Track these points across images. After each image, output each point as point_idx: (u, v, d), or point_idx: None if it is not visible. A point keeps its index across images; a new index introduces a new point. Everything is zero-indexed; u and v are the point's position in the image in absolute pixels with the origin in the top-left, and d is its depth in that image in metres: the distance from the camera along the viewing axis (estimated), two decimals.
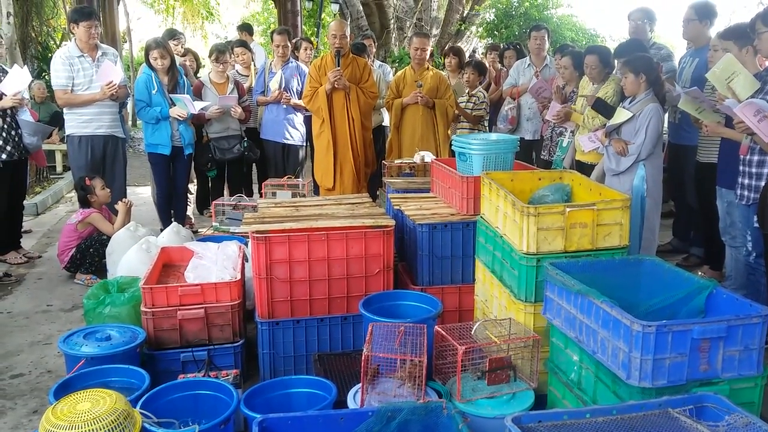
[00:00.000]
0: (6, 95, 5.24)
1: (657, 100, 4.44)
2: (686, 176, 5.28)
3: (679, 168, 5.36)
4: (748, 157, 3.88)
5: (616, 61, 5.09)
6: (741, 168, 3.93)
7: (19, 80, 5.35)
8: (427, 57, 6.27)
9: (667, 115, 5.20)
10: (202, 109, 5.86)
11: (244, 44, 7.05)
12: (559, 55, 5.91)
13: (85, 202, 5.20)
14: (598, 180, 4.54)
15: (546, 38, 6.77)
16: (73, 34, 5.60)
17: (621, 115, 4.50)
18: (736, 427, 1.85)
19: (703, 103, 4.34)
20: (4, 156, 5.28)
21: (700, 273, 4.74)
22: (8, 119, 5.27)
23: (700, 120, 4.39)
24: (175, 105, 5.67)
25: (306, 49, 7.12)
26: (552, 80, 6.02)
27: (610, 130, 4.60)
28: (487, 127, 6.93)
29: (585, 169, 5.00)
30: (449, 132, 6.29)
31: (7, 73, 5.42)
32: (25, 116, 5.52)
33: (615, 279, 2.69)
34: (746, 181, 3.92)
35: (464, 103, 6.41)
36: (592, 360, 2.42)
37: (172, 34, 6.95)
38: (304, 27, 13.87)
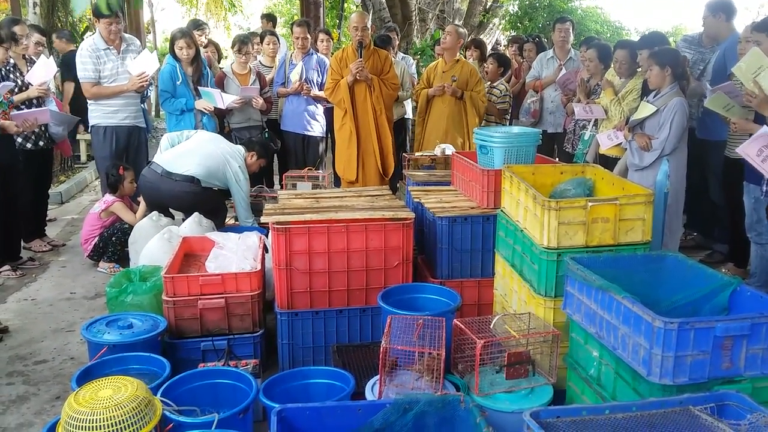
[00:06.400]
0: (32, 85, 5.31)
1: (682, 94, 4.37)
2: (709, 171, 5.20)
3: (703, 163, 5.29)
4: None
5: (639, 54, 5.02)
6: None
7: (45, 70, 5.42)
8: (455, 45, 6.16)
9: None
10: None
11: (273, 33, 7.05)
12: (584, 48, 5.85)
13: (114, 188, 5.27)
14: (621, 175, 4.49)
15: (570, 31, 6.69)
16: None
17: (645, 109, 4.44)
18: (758, 425, 1.82)
19: (736, 98, 4.26)
20: (29, 145, 5.35)
21: (724, 270, 4.68)
22: (34, 109, 5.33)
23: (727, 117, 4.31)
24: (201, 97, 5.69)
25: (323, 41, 7.11)
26: (577, 73, 5.95)
27: (634, 124, 4.54)
28: (509, 120, 6.88)
29: (608, 163, 4.94)
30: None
31: (34, 63, 5.49)
32: (51, 106, 5.59)
33: (637, 275, 2.66)
34: None
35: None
36: (612, 356, 2.40)
37: (197, 25, 6.98)
38: (326, 18, 13.84)
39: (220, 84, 6.16)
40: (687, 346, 2.12)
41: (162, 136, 5.55)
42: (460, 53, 6.43)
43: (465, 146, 5.84)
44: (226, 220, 5.36)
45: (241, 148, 5.12)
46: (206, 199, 4.85)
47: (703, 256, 5.33)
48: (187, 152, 4.89)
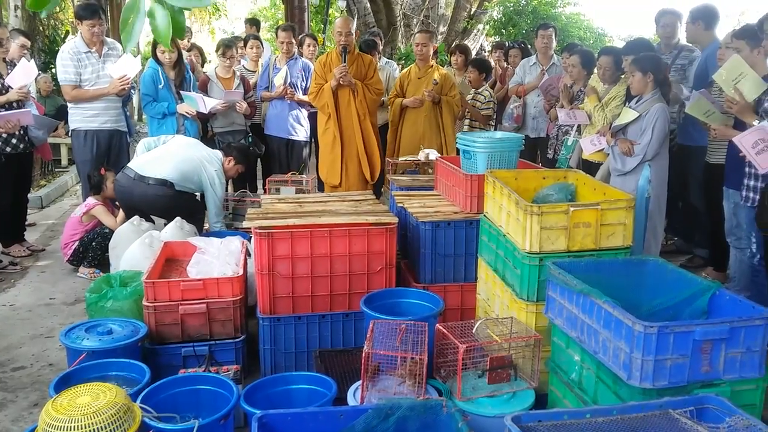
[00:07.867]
0: (12, 88, 5.25)
1: (664, 100, 4.42)
2: (691, 177, 5.26)
3: (684, 168, 5.34)
4: None
5: (624, 59, 5.06)
6: (747, 169, 3.91)
7: (25, 74, 5.36)
8: (431, 54, 6.26)
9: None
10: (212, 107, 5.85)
11: (257, 38, 7.04)
12: (567, 54, 5.89)
13: (98, 189, 5.23)
14: (603, 180, 4.52)
15: (553, 37, 6.74)
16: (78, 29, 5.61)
17: (627, 114, 4.48)
18: (737, 428, 1.84)
19: (713, 104, 4.31)
20: (8, 149, 5.28)
21: (704, 274, 4.72)
22: (16, 110, 5.27)
23: (707, 124, 4.36)
24: (182, 101, 5.66)
25: (309, 46, 7.10)
26: (559, 78, 5.99)
27: (616, 130, 4.57)
28: (494, 126, 6.91)
29: (592, 168, 4.97)
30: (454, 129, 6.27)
31: (14, 66, 5.43)
32: (32, 110, 5.53)
33: (618, 279, 2.68)
34: (752, 183, 3.90)
35: (469, 101, 6.40)
36: (593, 360, 2.41)
37: None
38: (311, 23, 13.85)
39: (204, 88, 6.13)
40: (667, 349, 2.13)
41: None
42: (444, 57, 6.47)
43: (442, 151, 5.87)
44: (207, 225, 5.33)
45: (219, 153, 5.09)
46: (181, 203, 4.81)
47: (684, 260, 5.38)
48: (162, 156, 4.86)
